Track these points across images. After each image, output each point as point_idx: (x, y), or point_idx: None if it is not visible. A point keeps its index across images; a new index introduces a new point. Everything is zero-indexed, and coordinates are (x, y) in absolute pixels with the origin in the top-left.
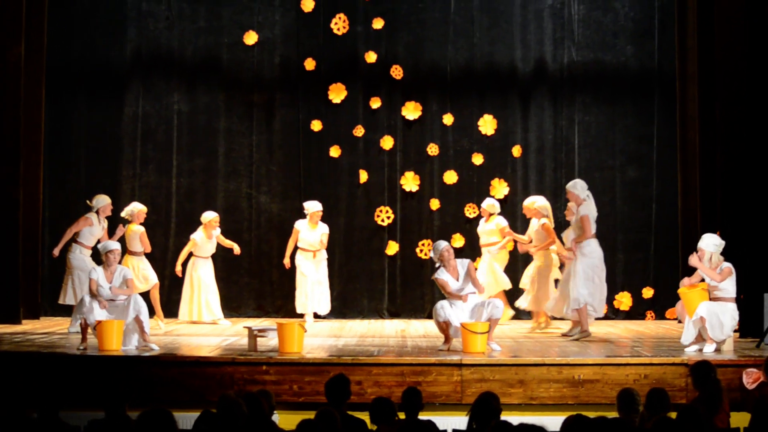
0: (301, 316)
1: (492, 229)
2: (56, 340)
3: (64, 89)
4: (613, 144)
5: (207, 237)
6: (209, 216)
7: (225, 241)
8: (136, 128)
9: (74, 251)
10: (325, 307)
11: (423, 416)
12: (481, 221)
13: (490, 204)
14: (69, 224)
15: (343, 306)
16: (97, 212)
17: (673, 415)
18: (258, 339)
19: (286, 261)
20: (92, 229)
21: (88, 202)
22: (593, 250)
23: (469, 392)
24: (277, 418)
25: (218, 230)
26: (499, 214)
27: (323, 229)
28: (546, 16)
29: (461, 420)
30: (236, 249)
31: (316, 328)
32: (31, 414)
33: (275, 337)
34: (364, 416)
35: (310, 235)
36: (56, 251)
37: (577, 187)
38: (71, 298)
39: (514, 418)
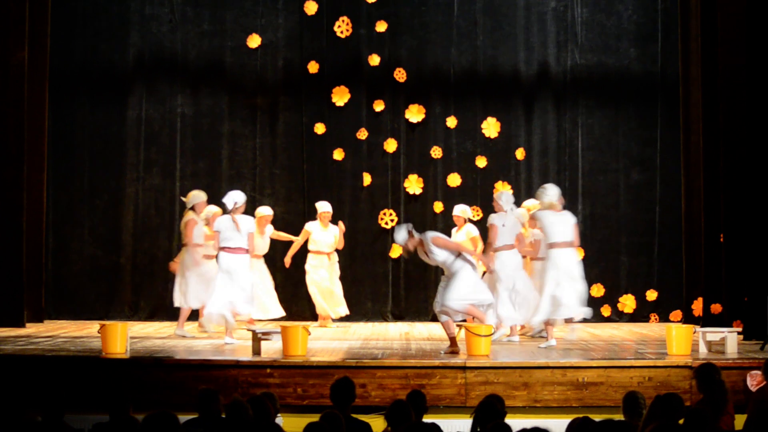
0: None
1: (462, 239)
2: (60, 343)
3: (67, 93)
4: (616, 147)
5: (259, 233)
6: (264, 211)
7: (282, 235)
8: (139, 131)
9: (185, 254)
10: (342, 309)
11: (427, 419)
12: (453, 230)
13: (462, 210)
14: (73, 228)
15: (348, 308)
16: (192, 209)
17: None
18: (262, 342)
19: (287, 260)
20: (198, 228)
21: (183, 198)
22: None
23: (473, 395)
24: (281, 420)
25: (271, 228)
26: (471, 220)
27: (335, 230)
28: (549, 19)
29: (465, 423)
30: (296, 241)
31: (320, 331)
32: (35, 417)
33: (279, 340)
34: (369, 419)
35: (323, 236)
36: (174, 266)
37: (502, 198)
38: (179, 300)
39: (518, 421)
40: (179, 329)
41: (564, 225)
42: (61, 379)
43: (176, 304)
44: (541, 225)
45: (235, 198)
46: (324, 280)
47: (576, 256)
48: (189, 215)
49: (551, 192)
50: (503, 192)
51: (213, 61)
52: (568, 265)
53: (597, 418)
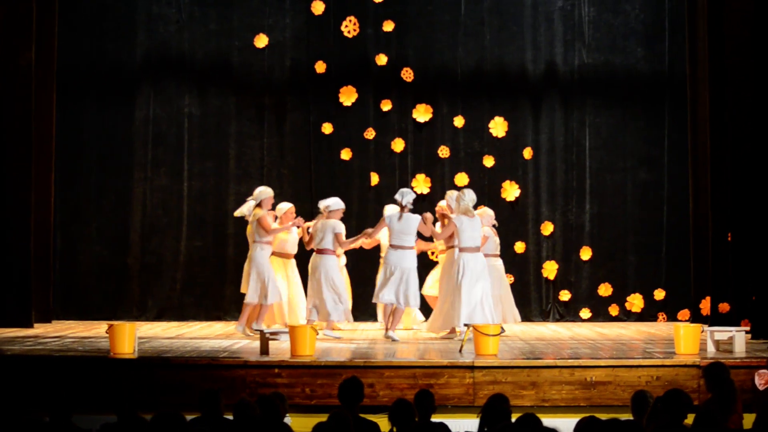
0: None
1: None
2: (68, 343)
3: (74, 93)
4: (624, 146)
5: (285, 231)
6: (284, 207)
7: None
8: (147, 131)
9: (256, 250)
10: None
11: (435, 419)
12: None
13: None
14: (80, 228)
15: (355, 309)
16: (260, 205)
17: (689, 418)
18: (270, 342)
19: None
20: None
21: (249, 198)
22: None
23: (482, 394)
24: (289, 420)
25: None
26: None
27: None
28: (556, 18)
29: (473, 422)
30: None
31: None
32: (43, 418)
33: (287, 339)
34: (377, 419)
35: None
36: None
37: (453, 197)
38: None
39: None
40: (241, 326)
41: (474, 231)
42: (68, 379)
43: (259, 301)
44: (457, 229)
45: (327, 203)
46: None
47: (483, 260)
48: (260, 211)
49: (468, 198)
50: (454, 192)
51: (220, 61)
52: (477, 268)
53: (605, 417)
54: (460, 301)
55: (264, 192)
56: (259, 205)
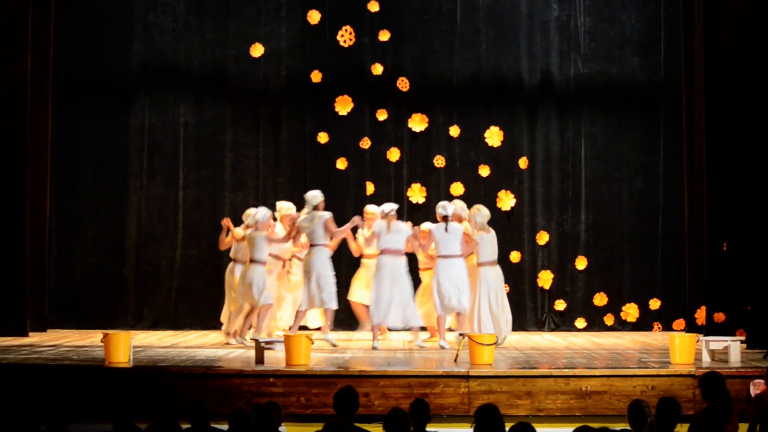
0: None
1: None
2: (63, 352)
3: (70, 102)
4: (619, 156)
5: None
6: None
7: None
8: (142, 140)
9: (321, 254)
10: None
11: (430, 428)
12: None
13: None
14: (76, 236)
15: (351, 318)
16: (316, 208)
17: (684, 427)
18: (265, 351)
19: None
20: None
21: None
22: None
23: (477, 404)
24: (284, 430)
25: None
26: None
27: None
28: (552, 27)
29: None
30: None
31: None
32: (39, 426)
33: (283, 349)
34: (372, 428)
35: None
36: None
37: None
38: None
39: None
40: (326, 334)
41: (491, 246)
42: (64, 388)
43: (318, 306)
44: (479, 245)
45: (390, 207)
46: None
47: (500, 272)
48: (325, 213)
49: (483, 215)
50: (458, 202)
51: (216, 70)
52: (495, 279)
53: (599, 426)
54: (482, 313)
55: (317, 196)
56: (316, 207)
